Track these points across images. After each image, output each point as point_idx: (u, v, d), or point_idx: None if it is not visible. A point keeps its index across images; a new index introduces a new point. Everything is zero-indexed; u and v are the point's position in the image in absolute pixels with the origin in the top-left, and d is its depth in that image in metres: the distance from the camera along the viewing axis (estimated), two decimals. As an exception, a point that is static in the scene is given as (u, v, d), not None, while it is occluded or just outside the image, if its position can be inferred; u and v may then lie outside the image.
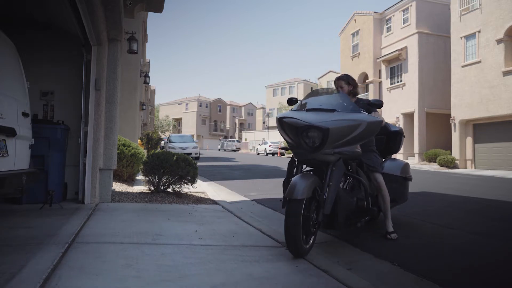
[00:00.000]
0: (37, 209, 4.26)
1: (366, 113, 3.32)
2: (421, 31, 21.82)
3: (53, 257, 2.46)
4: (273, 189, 7.72)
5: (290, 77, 69.48)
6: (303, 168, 3.33)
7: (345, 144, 3.11)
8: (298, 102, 3.49)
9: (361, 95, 18.02)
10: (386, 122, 4.47)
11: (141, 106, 16.34)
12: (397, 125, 5.19)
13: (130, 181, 7.46)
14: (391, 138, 4.40)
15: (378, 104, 3.57)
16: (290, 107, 3.88)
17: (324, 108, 3.24)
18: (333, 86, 4.14)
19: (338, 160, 3.12)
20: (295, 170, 3.29)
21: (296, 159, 3.29)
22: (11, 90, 3.47)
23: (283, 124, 3.19)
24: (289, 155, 32.47)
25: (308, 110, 3.28)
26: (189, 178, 5.83)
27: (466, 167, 18.05)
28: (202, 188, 7.28)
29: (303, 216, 2.81)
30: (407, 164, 4.53)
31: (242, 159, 23.42)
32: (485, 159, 17.42)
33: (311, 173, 3.23)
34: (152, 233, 3.32)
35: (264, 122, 57.20)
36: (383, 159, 4.31)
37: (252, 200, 6.06)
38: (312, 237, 3.03)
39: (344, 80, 3.87)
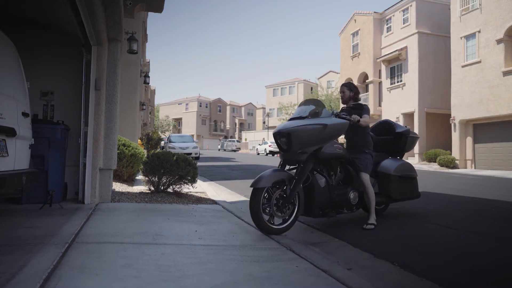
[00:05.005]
0: (37, 209, 4.26)
1: (334, 117, 3.84)
2: (421, 31, 21.81)
3: (53, 257, 2.46)
4: (273, 189, 7.70)
5: (290, 77, 69.59)
6: (286, 167, 3.83)
7: (312, 144, 3.61)
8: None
9: (361, 95, 18.16)
10: (394, 123, 4.99)
11: (141, 106, 16.32)
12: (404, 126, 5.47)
13: (130, 181, 7.46)
14: (397, 139, 4.74)
15: (357, 106, 4.23)
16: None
17: (298, 116, 3.74)
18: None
19: (307, 158, 3.62)
20: (279, 167, 3.80)
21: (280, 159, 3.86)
22: (11, 90, 3.47)
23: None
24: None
25: (290, 119, 3.78)
26: (189, 178, 5.83)
27: (466, 167, 18.05)
28: (202, 188, 7.27)
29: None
30: (404, 164, 4.68)
31: (242, 159, 23.42)
32: (485, 159, 17.41)
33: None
34: (152, 233, 3.32)
35: (264, 122, 57.18)
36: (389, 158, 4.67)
37: (252, 200, 6.05)
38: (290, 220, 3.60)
39: (347, 87, 4.45)
